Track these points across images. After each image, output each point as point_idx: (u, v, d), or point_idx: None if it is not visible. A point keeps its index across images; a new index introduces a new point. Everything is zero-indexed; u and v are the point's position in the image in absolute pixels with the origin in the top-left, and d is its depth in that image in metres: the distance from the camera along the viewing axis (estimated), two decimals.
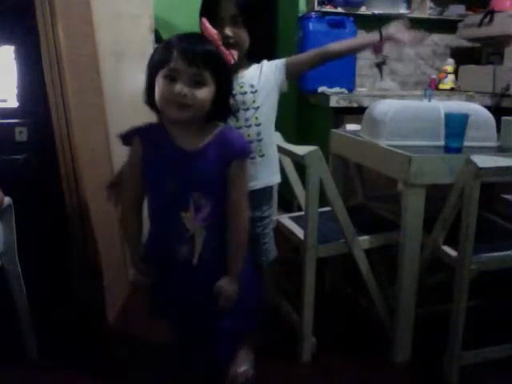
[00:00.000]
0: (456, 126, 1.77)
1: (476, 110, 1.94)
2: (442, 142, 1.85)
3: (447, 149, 1.80)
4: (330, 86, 2.88)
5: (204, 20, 1.39)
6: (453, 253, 1.74)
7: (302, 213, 2.04)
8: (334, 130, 2.37)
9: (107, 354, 1.92)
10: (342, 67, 2.86)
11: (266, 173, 1.69)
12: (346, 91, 2.89)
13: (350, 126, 2.46)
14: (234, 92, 1.47)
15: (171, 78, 1.25)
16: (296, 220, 2.09)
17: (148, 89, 1.32)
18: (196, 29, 1.72)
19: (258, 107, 1.63)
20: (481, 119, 1.92)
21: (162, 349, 1.83)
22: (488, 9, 2.99)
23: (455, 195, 1.69)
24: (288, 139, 2.09)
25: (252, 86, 1.63)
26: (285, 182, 2.23)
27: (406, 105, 1.96)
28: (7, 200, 1.70)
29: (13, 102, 2.00)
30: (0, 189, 1.66)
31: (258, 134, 1.64)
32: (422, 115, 1.90)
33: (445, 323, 1.74)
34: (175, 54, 1.24)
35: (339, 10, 3.20)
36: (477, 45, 3.40)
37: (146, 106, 1.36)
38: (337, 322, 2.14)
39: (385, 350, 1.88)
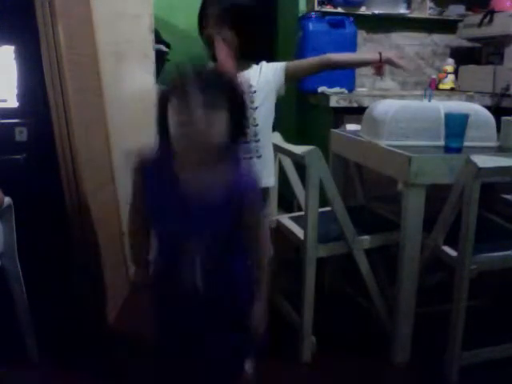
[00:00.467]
0: (456, 126, 1.77)
1: (476, 110, 1.94)
2: (442, 142, 1.85)
3: (447, 149, 1.80)
4: (330, 86, 2.88)
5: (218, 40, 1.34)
6: (453, 253, 1.74)
7: (302, 213, 2.03)
8: (333, 130, 2.37)
9: (107, 354, 1.92)
10: None
11: (262, 174, 1.69)
12: (346, 91, 2.89)
13: (350, 126, 2.46)
14: None
15: (183, 113, 1.14)
16: (296, 220, 2.09)
17: (160, 120, 1.22)
18: (196, 29, 1.73)
19: (256, 107, 1.63)
20: (481, 119, 1.92)
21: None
22: (488, 9, 2.99)
23: (455, 195, 1.69)
24: (288, 139, 2.09)
25: (251, 86, 1.63)
26: (285, 182, 2.23)
27: (406, 105, 1.96)
28: (7, 200, 1.70)
29: (13, 102, 1.99)
30: (0, 189, 1.66)
31: (256, 134, 1.64)
32: (421, 115, 1.90)
33: (445, 323, 1.75)
34: (188, 80, 1.15)
35: (339, 9, 3.20)
36: (477, 45, 3.39)
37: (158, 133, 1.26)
38: (337, 321, 2.14)
39: (385, 350, 1.88)
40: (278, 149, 2.02)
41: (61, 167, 1.91)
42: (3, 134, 1.97)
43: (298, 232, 1.94)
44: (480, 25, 3.01)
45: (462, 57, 3.46)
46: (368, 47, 3.39)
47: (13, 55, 1.96)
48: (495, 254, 1.75)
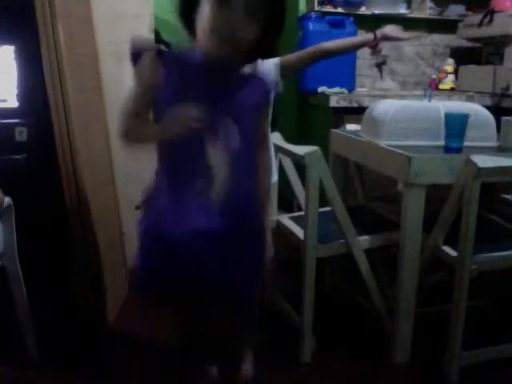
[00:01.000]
0: (456, 125, 1.77)
1: (476, 110, 1.94)
2: (442, 142, 1.85)
3: (447, 149, 1.80)
4: (330, 86, 2.88)
5: None
6: (453, 253, 1.74)
7: (302, 213, 2.03)
8: (333, 130, 2.37)
9: (107, 354, 1.92)
10: (342, 67, 2.86)
11: None
12: (346, 91, 2.89)
13: (350, 126, 2.46)
14: None
15: (221, 2, 1.08)
16: (296, 220, 2.09)
17: (187, 3, 1.14)
18: None
19: None
20: (481, 119, 1.92)
21: (162, 349, 1.83)
22: (488, 9, 2.99)
23: (455, 195, 1.69)
24: (288, 139, 2.09)
25: None
26: (285, 182, 2.23)
27: (406, 105, 1.96)
28: (7, 200, 1.70)
29: (13, 102, 1.99)
30: (0, 189, 1.66)
31: None
32: (421, 115, 1.90)
33: (445, 323, 1.75)
34: None
35: (339, 9, 3.20)
36: (477, 45, 3.40)
37: (180, 21, 1.18)
38: (337, 321, 2.14)
39: (385, 350, 1.88)
40: (278, 149, 2.02)
41: (61, 167, 1.91)
42: (3, 134, 1.97)
43: (298, 232, 1.94)
44: (480, 25, 3.01)
45: (461, 57, 3.46)
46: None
47: (13, 55, 1.96)
48: (495, 254, 1.75)
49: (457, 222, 1.68)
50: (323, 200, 1.79)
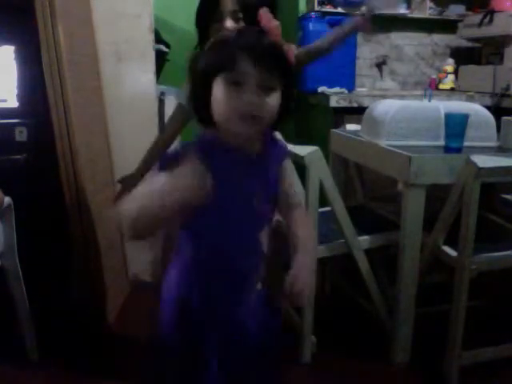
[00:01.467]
0: (456, 125, 1.77)
1: (476, 110, 1.94)
2: (442, 142, 1.85)
3: (447, 149, 1.80)
4: (330, 86, 2.88)
5: (263, 11, 1.14)
6: (453, 253, 1.74)
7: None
8: (333, 130, 2.37)
9: (107, 354, 1.92)
10: (342, 67, 2.86)
11: None
12: (346, 91, 2.89)
13: (350, 126, 2.46)
14: None
15: (235, 84, 0.98)
16: None
17: (199, 99, 1.03)
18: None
19: None
20: (481, 119, 1.92)
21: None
22: (488, 9, 2.99)
23: (455, 195, 1.69)
24: (288, 139, 2.08)
25: None
26: None
27: (406, 105, 1.96)
28: (7, 200, 1.70)
29: (13, 102, 2.00)
30: (0, 189, 1.66)
31: None
32: (421, 115, 1.90)
33: (445, 323, 1.74)
34: (239, 53, 0.97)
35: (339, 10, 3.20)
36: (477, 45, 3.39)
37: (198, 121, 1.09)
38: (337, 321, 2.14)
39: (385, 350, 1.88)
40: None
41: (61, 167, 1.91)
42: (3, 134, 1.98)
43: None
44: (480, 25, 3.01)
45: (461, 57, 3.46)
46: (368, 47, 3.39)
47: (13, 55, 1.96)
48: (495, 254, 1.75)
49: (457, 221, 1.68)
50: (323, 200, 1.79)
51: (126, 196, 0.94)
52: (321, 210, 1.80)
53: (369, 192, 2.38)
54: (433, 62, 3.57)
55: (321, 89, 2.91)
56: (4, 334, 1.86)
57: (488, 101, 2.85)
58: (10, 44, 1.96)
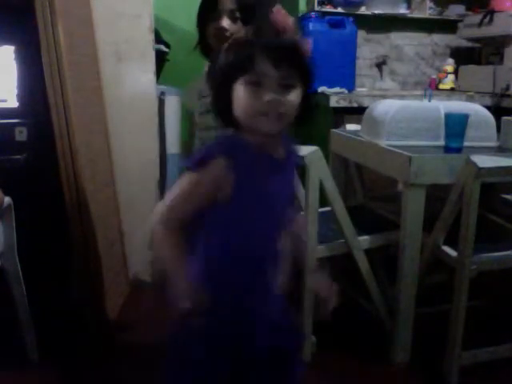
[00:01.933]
0: (456, 125, 1.77)
1: (476, 110, 1.94)
2: (442, 142, 1.85)
3: (447, 149, 1.80)
4: (330, 86, 2.88)
5: (278, 7, 1.13)
6: (453, 253, 1.74)
7: (302, 213, 2.03)
8: (333, 130, 2.37)
9: (107, 354, 1.92)
10: (342, 67, 2.86)
11: None
12: (346, 91, 2.89)
13: (350, 126, 2.46)
14: None
15: (256, 85, 0.99)
16: None
17: (221, 101, 1.05)
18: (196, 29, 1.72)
19: None
20: (481, 119, 1.92)
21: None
22: (488, 9, 2.99)
23: (455, 195, 1.69)
24: None
25: None
26: None
27: (406, 105, 1.96)
28: (7, 200, 1.70)
29: (13, 102, 2.00)
30: (0, 189, 1.66)
31: None
32: (421, 115, 1.90)
33: (445, 323, 1.74)
34: (257, 54, 0.98)
35: (339, 10, 3.20)
36: (477, 45, 3.39)
37: (220, 123, 1.09)
38: (337, 321, 2.14)
39: (385, 350, 1.88)
40: None
41: (61, 167, 1.91)
42: (3, 134, 1.98)
43: None
44: (480, 25, 3.01)
45: (461, 57, 3.46)
46: (368, 47, 3.39)
47: (13, 55, 1.96)
48: (495, 254, 1.75)
49: (457, 221, 1.68)
50: (323, 200, 1.79)
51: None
52: (321, 210, 1.80)
53: (369, 192, 2.38)
54: (433, 61, 3.57)
55: (321, 89, 2.91)
56: (4, 334, 1.86)
57: (488, 101, 2.85)
58: (10, 44, 1.96)
